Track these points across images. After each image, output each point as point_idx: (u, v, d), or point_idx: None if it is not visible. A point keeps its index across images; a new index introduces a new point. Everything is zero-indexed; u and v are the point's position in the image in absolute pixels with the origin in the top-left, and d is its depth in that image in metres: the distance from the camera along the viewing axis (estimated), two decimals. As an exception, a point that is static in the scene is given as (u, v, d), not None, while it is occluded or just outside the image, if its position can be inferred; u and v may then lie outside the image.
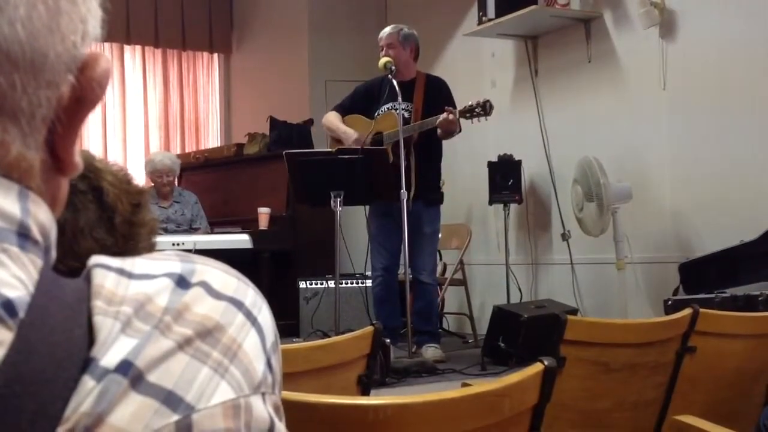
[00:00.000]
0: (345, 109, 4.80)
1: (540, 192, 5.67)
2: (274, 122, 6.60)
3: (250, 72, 7.67)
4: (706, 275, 4.10)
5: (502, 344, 4.16)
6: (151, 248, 1.15)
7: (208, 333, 0.45)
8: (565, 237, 5.28)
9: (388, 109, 4.63)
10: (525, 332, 4.09)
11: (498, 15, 5.38)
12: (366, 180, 4.30)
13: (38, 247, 0.46)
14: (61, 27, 0.48)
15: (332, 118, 4.79)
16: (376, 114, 4.70)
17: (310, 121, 6.50)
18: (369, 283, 5.25)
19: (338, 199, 4.23)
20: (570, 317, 2.12)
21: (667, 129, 4.84)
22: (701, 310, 2.24)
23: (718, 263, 4.10)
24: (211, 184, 6.65)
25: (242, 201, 6.35)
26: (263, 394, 0.47)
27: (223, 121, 7.93)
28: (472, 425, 1.26)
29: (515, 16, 5.25)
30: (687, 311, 2.22)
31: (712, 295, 3.62)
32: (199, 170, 6.84)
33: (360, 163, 4.27)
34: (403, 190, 4.20)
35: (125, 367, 0.42)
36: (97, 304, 0.44)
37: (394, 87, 4.36)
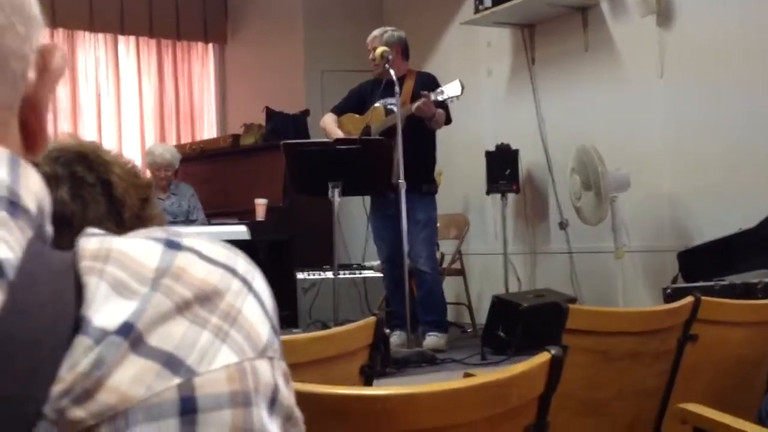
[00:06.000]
0: (340, 110, 4.92)
1: (537, 181, 5.66)
2: (270, 113, 6.58)
3: (245, 62, 7.64)
4: (705, 263, 4.10)
5: (502, 333, 4.16)
6: None
7: (206, 298, 0.45)
8: (563, 226, 5.28)
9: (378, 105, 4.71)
10: (524, 321, 4.09)
11: (495, 3, 5.36)
12: (364, 170, 4.29)
13: (28, 217, 0.45)
14: None
15: (328, 121, 4.91)
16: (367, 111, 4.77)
17: (307, 112, 6.48)
18: (367, 273, 5.26)
19: (336, 190, 4.22)
20: (571, 306, 2.11)
21: (665, 117, 4.83)
22: (703, 297, 2.23)
23: (717, 251, 4.10)
24: (208, 175, 6.63)
25: (239, 192, 6.33)
26: (270, 359, 0.46)
27: (219, 112, 7.90)
28: (479, 415, 1.25)
29: (512, 4, 5.24)
30: (689, 299, 2.21)
31: (712, 283, 3.62)
32: (195, 161, 6.82)
33: (358, 153, 4.26)
34: (402, 180, 4.20)
35: (126, 329, 0.41)
36: (84, 264, 0.44)
37: (386, 83, 4.46)
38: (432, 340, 4.51)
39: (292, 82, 6.89)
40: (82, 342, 0.41)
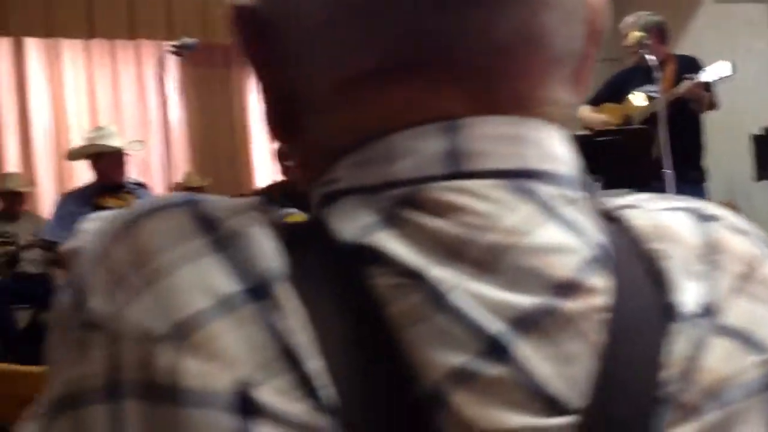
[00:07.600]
0: (596, 101, 4.77)
1: (814, 164, 5.22)
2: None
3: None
4: None
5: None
6: None
7: (750, 270, 0.44)
8: None
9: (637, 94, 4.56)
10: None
11: (755, -23, 5.01)
12: (625, 161, 4.14)
13: (584, 191, 0.46)
14: None
15: (586, 113, 4.78)
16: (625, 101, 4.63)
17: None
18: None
19: (597, 185, 4.12)
20: None
21: None
22: None
23: None
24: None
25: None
26: None
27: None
28: None
29: (777, -25, 4.87)
30: None
31: None
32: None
33: (619, 143, 4.13)
34: (668, 171, 4.03)
35: (706, 311, 0.42)
36: (652, 246, 0.43)
37: (644, 70, 4.27)
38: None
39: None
40: (675, 327, 0.41)
